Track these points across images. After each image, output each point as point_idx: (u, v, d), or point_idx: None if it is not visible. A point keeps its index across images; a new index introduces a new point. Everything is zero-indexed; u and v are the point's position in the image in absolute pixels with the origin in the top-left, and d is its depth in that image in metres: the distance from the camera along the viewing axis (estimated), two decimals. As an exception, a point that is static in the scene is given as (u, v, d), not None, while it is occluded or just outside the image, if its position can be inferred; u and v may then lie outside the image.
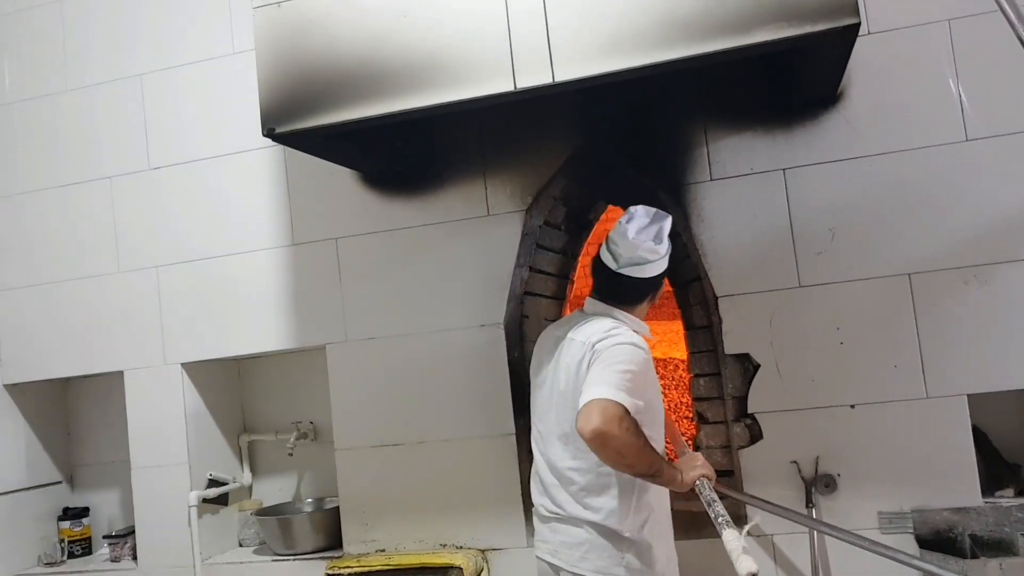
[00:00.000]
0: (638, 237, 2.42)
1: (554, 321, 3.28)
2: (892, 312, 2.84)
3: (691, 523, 2.98)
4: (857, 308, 2.87)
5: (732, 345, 2.98)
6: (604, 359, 2.29)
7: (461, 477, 3.18)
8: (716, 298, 3.00)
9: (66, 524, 3.89)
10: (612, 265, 2.48)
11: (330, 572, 3.16)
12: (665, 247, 2.48)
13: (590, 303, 2.57)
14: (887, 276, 2.86)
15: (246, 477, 3.84)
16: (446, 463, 3.20)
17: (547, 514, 2.51)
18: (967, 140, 2.83)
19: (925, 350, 2.81)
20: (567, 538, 2.44)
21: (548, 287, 3.29)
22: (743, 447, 2.94)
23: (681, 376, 4.04)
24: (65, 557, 3.84)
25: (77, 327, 3.71)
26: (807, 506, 2.83)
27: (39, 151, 3.83)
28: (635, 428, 2.19)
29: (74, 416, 4.11)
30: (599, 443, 2.16)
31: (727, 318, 2.99)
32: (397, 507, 3.26)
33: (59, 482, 4.02)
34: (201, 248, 3.56)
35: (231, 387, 3.88)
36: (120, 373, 3.65)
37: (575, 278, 3.43)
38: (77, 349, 3.72)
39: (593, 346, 2.35)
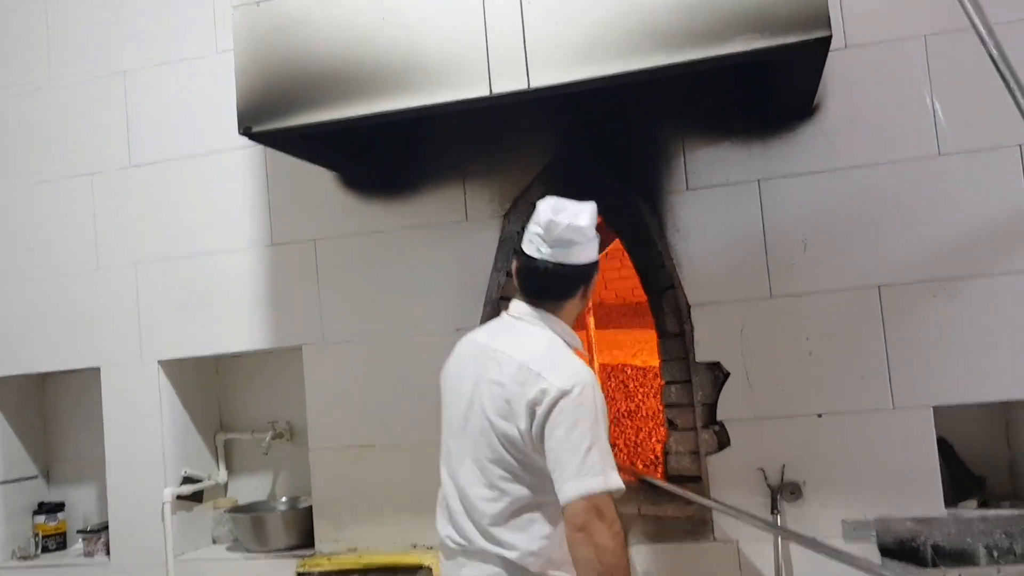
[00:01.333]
0: (559, 216, 2.22)
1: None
2: (861, 323, 2.88)
3: (659, 529, 3.01)
4: (827, 319, 2.91)
5: (703, 353, 3.01)
6: (569, 423, 2.08)
7: (433, 479, 3.17)
8: (689, 307, 3.03)
9: (41, 519, 3.89)
10: (536, 254, 2.26)
11: (301, 570, 3.18)
12: (591, 229, 2.26)
13: (515, 305, 2.38)
14: (857, 288, 2.89)
15: (221, 475, 3.85)
16: (419, 465, 3.17)
17: (453, 547, 2.30)
18: (940, 155, 2.87)
19: (892, 361, 2.84)
20: (475, 573, 2.24)
21: (524, 292, 3.31)
22: (711, 453, 2.97)
23: (660, 384, 4.07)
24: (39, 551, 3.84)
25: (55, 323, 3.73)
26: (772, 513, 2.85)
27: (20, 145, 3.84)
28: (622, 536, 2.07)
29: (51, 411, 4.11)
30: (581, 539, 2.03)
31: (699, 327, 3.02)
32: (369, 507, 3.28)
33: (35, 477, 4.02)
34: (180, 246, 3.58)
35: (208, 385, 3.89)
36: (97, 369, 3.66)
37: (551, 284, 3.45)
38: (55, 345, 3.73)
39: (539, 379, 2.13)
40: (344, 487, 3.31)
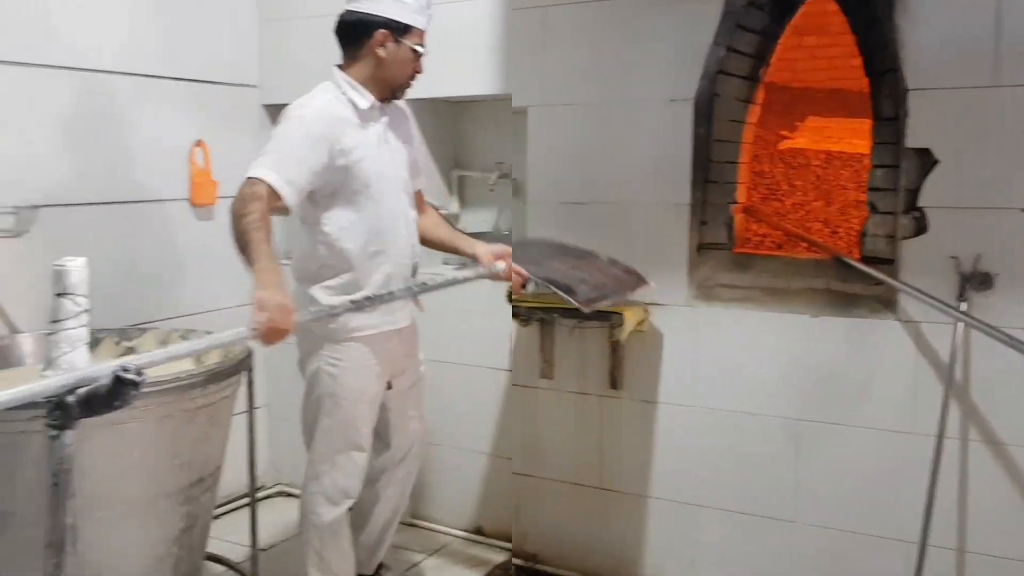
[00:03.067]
0: None
1: (744, 101, 3.41)
2: (1091, 120, 2.78)
3: (847, 303, 3.19)
4: (1052, 114, 2.83)
5: (914, 139, 3.01)
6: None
7: (636, 237, 3.43)
8: (907, 91, 3.01)
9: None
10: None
11: (513, 298, 3.59)
12: None
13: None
14: (1093, 81, 2.77)
15: (454, 206, 4.40)
16: (623, 224, 3.46)
17: None
18: None
19: (1120, 162, 2.76)
20: None
21: (743, 67, 3.34)
22: (907, 238, 3.05)
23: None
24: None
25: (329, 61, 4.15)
26: (958, 299, 2.94)
27: None
28: (251, 205, 2.43)
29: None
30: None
31: (915, 112, 3.01)
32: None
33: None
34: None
35: (446, 127, 4.35)
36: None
37: (772, 60, 3.44)
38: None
39: None
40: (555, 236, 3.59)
